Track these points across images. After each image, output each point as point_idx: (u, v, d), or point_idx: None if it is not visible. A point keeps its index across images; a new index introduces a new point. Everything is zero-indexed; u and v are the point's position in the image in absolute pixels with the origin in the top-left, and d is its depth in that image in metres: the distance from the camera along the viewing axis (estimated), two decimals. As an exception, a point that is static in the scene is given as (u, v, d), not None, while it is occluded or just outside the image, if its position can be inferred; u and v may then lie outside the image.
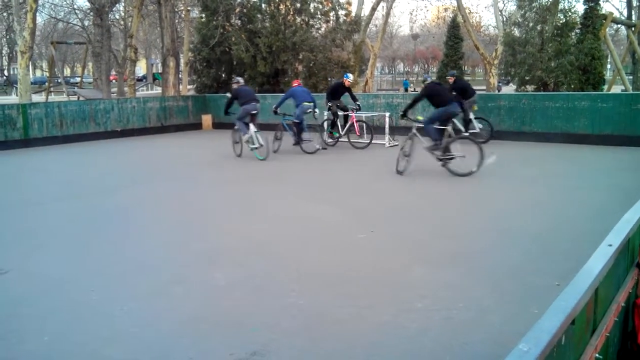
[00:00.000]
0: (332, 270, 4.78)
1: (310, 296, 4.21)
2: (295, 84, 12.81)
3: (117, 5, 29.62)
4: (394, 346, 3.43)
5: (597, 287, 2.13)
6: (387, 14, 30.56)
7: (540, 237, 5.61)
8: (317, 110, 12.32)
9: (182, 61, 22.94)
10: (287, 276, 4.65)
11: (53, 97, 32.28)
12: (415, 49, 59.71)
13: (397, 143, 12.68)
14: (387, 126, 13.27)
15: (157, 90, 39.48)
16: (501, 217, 6.52)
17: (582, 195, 7.53)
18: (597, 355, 2.17)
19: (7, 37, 48.27)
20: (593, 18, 22.97)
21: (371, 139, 12.60)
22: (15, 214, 7.21)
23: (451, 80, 13.16)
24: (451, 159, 9.14)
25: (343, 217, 6.63)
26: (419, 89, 33.02)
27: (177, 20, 25.17)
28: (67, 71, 59.52)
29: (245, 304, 4.12)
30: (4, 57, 60.82)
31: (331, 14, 22.07)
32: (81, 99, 23.39)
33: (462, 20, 28.59)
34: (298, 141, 12.11)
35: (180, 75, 23.19)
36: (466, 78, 44.46)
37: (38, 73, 59.94)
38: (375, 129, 12.96)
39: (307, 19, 21.58)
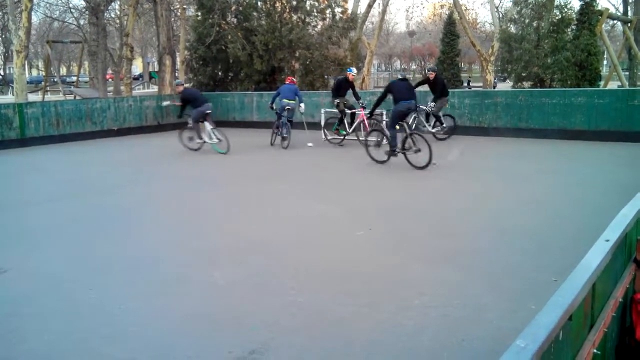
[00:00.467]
0: (330, 268, 4.79)
1: (309, 294, 4.22)
2: (287, 81, 13.10)
3: (113, 3, 29.54)
4: (392, 344, 3.44)
5: (595, 283, 2.14)
6: (384, 11, 30.50)
7: (537, 233, 5.62)
8: (302, 105, 12.85)
9: (178, 59, 22.84)
10: (286, 274, 4.65)
11: (49, 97, 32.17)
12: (412, 46, 59.65)
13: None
14: (384, 123, 13.21)
15: (154, 88, 39.35)
16: (498, 214, 6.54)
17: (579, 191, 7.55)
18: (595, 350, 2.18)
19: (3, 36, 48.02)
20: (589, 14, 23.00)
21: (382, 137, 12.45)
22: (13, 214, 7.20)
23: (432, 76, 13.03)
24: (404, 153, 9.58)
25: (341, 215, 6.63)
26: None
27: (173, 19, 25.09)
28: (63, 70, 59.37)
29: (244, 303, 4.12)
30: (-1, 57, 60.56)
31: (327, 11, 22.02)
32: (77, 98, 23.32)
33: (458, 17, 28.56)
34: (275, 135, 13.03)
35: (176, 74, 23.14)
36: (463, 75, 44.51)
37: (34, 72, 59.75)
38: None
39: (303, 17, 21.54)
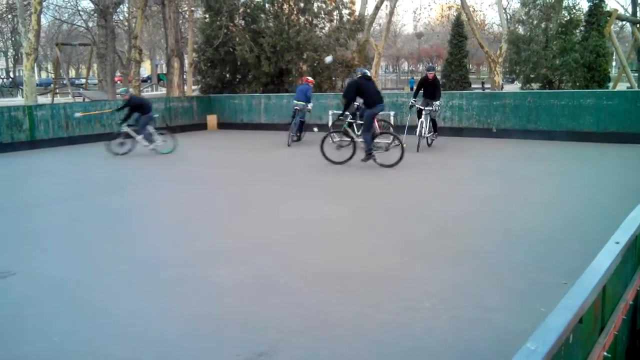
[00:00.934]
0: (336, 269, 4.77)
1: (316, 295, 4.21)
2: (302, 81, 13.37)
3: (121, 6, 29.68)
4: (399, 345, 3.43)
5: (605, 285, 2.12)
6: (391, 13, 30.50)
7: (544, 235, 5.59)
8: (309, 105, 13.38)
9: (186, 62, 22.92)
10: (292, 275, 4.65)
11: (58, 99, 32.37)
12: (420, 48, 59.63)
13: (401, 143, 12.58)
14: (391, 125, 13.21)
15: (162, 91, 39.54)
16: (505, 215, 6.51)
17: (587, 193, 7.50)
18: (605, 353, 2.16)
19: (12, 39, 48.46)
20: (598, 15, 22.90)
21: (393, 139, 12.39)
22: (21, 216, 7.24)
23: (431, 75, 12.16)
24: (374, 154, 9.94)
25: (346, 215, 6.62)
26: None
27: (181, 21, 25.18)
28: (72, 72, 59.74)
29: (251, 303, 4.12)
30: (9, 59, 61.07)
31: (335, 13, 22.03)
32: (86, 100, 23.46)
33: (466, 19, 28.51)
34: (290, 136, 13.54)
35: (184, 76, 23.23)
36: (471, 76, 44.40)
37: (43, 75, 60.15)
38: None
39: (310, 19, 21.56)
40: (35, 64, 24.28)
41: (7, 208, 7.65)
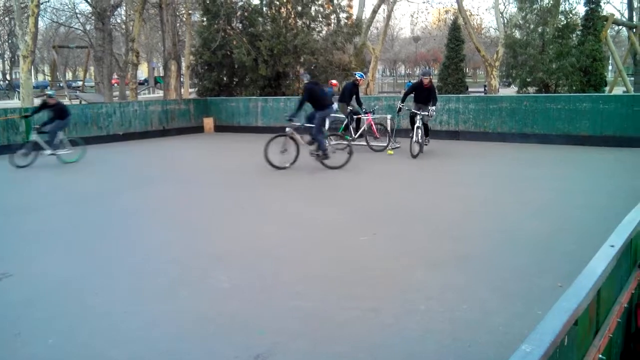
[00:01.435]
0: (336, 272, 4.79)
1: (315, 298, 4.23)
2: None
3: (119, 9, 29.70)
4: (398, 348, 3.44)
5: (600, 288, 2.14)
6: (388, 17, 30.58)
7: (542, 238, 5.62)
8: (335, 106, 13.63)
9: (183, 65, 22.96)
10: (292, 278, 4.66)
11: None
12: (417, 52, 59.71)
13: (399, 145, 12.64)
14: (389, 128, 13.22)
15: (159, 93, 39.47)
16: (503, 219, 6.53)
17: (584, 196, 7.53)
18: (600, 356, 2.18)
19: (9, 41, 48.35)
20: (594, 20, 22.99)
21: (389, 142, 12.51)
22: (19, 218, 7.22)
23: (426, 81, 11.71)
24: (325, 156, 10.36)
25: (346, 219, 6.64)
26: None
27: (178, 24, 25.23)
28: (69, 75, 59.63)
29: (250, 307, 4.13)
30: (6, 62, 60.92)
31: (332, 17, 22.07)
32: (83, 102, 23.44)
33: (463, 23, 28.59)
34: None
35: (182, 79, 23.22)
36: (469, 80, 44.49)
37: (40, 77, 60.08)
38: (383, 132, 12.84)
39: (308, 22, 21.60)
40: (32, 67, 24.26)
41: (7, 210, 7.63)
